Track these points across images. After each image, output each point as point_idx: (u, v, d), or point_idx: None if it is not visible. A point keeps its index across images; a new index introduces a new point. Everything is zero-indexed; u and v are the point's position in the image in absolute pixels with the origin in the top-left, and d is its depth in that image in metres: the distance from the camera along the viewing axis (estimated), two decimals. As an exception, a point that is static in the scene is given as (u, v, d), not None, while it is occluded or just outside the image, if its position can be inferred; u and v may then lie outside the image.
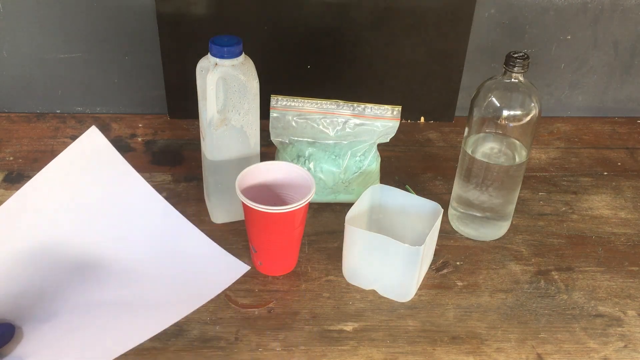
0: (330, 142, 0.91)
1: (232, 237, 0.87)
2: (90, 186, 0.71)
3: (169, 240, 0.74)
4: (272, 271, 0.81)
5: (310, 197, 0.76)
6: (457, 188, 0.89)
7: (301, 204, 0.75)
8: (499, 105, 0.81)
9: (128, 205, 0.75)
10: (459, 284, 0.82)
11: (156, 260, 0.71)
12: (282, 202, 0.81)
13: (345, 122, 0.90)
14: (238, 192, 0.75)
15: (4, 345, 0.60)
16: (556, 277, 0.84)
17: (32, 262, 0.68)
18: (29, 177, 0.96)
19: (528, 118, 0.81)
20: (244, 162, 0.83)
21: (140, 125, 1.11)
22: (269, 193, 0.82)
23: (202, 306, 0.77)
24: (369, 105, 0.90)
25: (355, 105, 0.90)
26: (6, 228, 0.69)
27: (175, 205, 0.92)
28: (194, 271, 0.72)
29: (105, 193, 0.73)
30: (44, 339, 0.64)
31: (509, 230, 0.91)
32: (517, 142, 0.83)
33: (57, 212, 0.70)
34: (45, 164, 0.99)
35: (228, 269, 0.72)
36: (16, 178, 0.96)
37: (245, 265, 0.72)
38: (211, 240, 0.74)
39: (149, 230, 0.73)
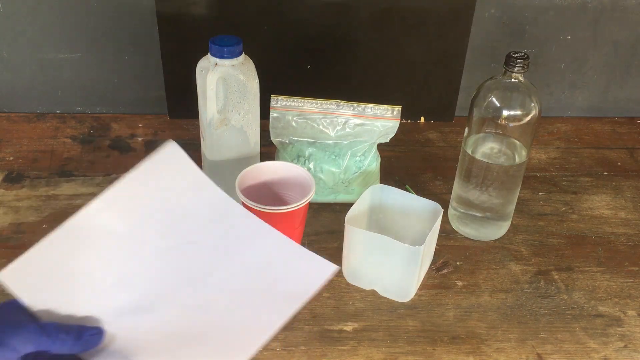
0: (330, 142, 0.91)
1: (232, 237, 0.87)
2: (171, 200, 0.67)
3: (253, 249, 0.69)
4: None
5: (310, 197, 0.76)
6: (457, 188, 0.89)
7: (301, 204, 0.75)
8: (499, 105, 0.81)
9: (211, 219, 0.70)
10: (459, 284, 0.82)
11: (245, 271, 0.68)
12: (282, 202, 0.81)
13: (345, 122, 0.90)
14: (238, 192, 0.75)
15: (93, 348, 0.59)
16: (556, 277, 0.84)
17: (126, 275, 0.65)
18: (29, 177, 0.96)
19: (528, 118, 0.81)
20: (244, 162, 0.83)
21: (140, 125, 1.11)
22: (269, 193, 0.82)
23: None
24: (369, 105, 0.90)
25: (355, 105, 0.90)
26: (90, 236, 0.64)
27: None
28: (282, 278, 0.68)
29: (187, 207, 0.68)
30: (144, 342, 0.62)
31: (509, 230, 0.91)
32: (517, 142, 0.83)
33: (141, 226, 0.66)
34: (45, 164, 1.00)
35: (316, 271, 0.67)
36: (16, 178, 0.96)
37: (333, 264, 0.66)
38: (295, 243, 0.70)
39: (235, 241, 0.69)
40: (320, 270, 0.66)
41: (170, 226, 0.65)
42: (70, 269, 0.61)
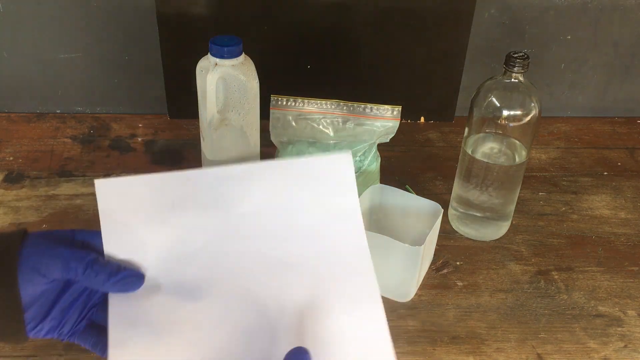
0: (330, 142, 0.91)
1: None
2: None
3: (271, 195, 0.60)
4: None
5: None
6: (457, 188, 0.89)
7: None
8: (499, 105, 0.81)
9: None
10: (459, 284, 0.82)
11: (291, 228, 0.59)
12: None
13: (345, 122, 0.90)
14: None
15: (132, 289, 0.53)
16: (556, 277, 0.84)
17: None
18: (29, 177, 0.96)
19: (528, 118, 0.81)
20: (244, 162, 0.83)
21: (140, 125, 1.11)
22: None
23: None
24: (369, 105, 0.90)
25: (355, 105, 0.90)
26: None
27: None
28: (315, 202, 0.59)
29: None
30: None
31: (509, 230, 0.91)
32: (517, 142, 0.83)
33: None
34: (45, 164, 1.00)
35: (337, 170, 0.59)
36: (16, 178, 0.97)
37: (345, 153, 0.59)
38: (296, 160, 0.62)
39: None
40: (340, 166, 0.58)
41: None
42: (156, 214, 0.56)
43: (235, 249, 0.57)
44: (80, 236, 0.54)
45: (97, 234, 0.54)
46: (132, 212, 0.56)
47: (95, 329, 0.55)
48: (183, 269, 0.56)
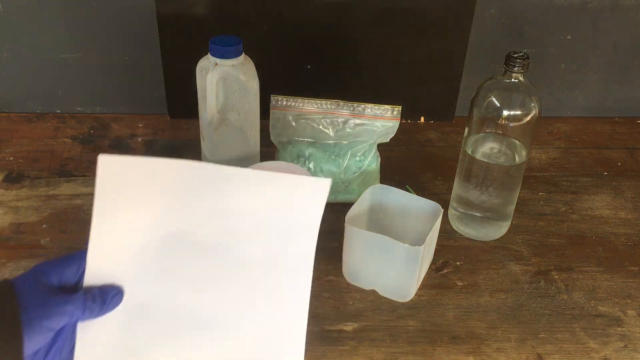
0: (330, 142, 0.91)
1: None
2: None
3: (244, 201, 0.63)
4: None
5: None
6: (457, 188, 0.89)
7: None
8: (499, 105, 0.81)
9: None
10: (459, 284, 0.82)
11: (249, 231, 0.63)
12: None
13: (345, 122, 0.90)
14: None
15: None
16: (556, 277, 0.84)
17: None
18: (29, 177, 0.96)
19: (528, 118, 0.81)
20: (244, 162, 0.83)
21: (140, 125, 1.11)
22: None
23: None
24: (369, 105, 0.90)
25: (355, 105, 0.90)
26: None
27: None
28: (285, 216, 0.63)
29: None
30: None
31: (509, 230, 0.91)
32: (517, 142, 0.83)
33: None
34: (45, 164, 1.00)
35: (313, 193, 0.62)
36: (16, 178, 0.96)
37: (325, 179, 0.62)
38: (277, 174, 0.63)
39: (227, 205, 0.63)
40: (316, 189, 0.62)
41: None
42: (144, 197, 0.59)
43: (194, 241, 0.61)
44: (53, 274, 0.57)
45: (61, 264, 0.57)
46: (125, 193, 0.58)
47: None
48: (149, 260, 0.60)
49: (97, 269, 0.58)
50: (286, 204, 0.62)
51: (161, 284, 0.61)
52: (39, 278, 0.55)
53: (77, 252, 0.58)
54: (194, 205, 0.61)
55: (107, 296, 0.58)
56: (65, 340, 0.57)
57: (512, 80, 0.80)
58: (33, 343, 0.52)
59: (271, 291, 0.63)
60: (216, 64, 0.78)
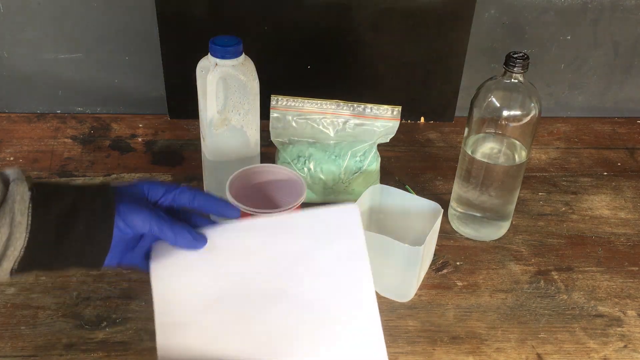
0: (331, 142, 0.91)
1: (232, 237, 0.87)
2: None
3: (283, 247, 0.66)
4: None
5: (301, 200, 0.75)
6: (457, 188, 0.89)
7: (293, 206, 0.74)
8: (498, 105, 0.81)
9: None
10: (459, 284, 0.82)
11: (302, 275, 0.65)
12: (275, 206, 0.79)
13: (345, 122, 0.90)
14: (228, 195, 0.74)
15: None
16: (556, 277, 0.84)
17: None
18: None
19: (528, 118, 0.81)
20: (244, 162, 0.83)
21: (140, 125, 1.11)
22: (259, 196, 0.80)
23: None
24: (369, 105, 0.90)
25: (355, 105, 0.90)
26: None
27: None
28: (328, 251, 0.64)
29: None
30: None
31: (509, 230, 0.91)
32: (517, 142, 0.83)
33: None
34: (46, 164, 1.00)
35: (345, 222, 0.64)
36: (16, 178, 0.96)
37: (351, 204, 0.64)
38: (305, 212, 0.66)
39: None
40: (348, 216, 0.64)
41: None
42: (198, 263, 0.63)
43: (255, 292, 0.63)
44: (151, 193, 0.62)
45: (161, 187, 0.62)
46: (178, 270, 0.63)
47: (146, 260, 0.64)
48: (214, 310, 0.63)
49: (167, 339, 0.61)
50: (327, 238, 0.64)
51: (232, 336, 0.62)
52: (139, 192, 0.61)
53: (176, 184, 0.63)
54: (245, 261, 0.63)
55: (185, 234, 0.60)
56: (140, 250, 0.62)
57: (512, 80, 0.80)
58: (116, 237, 0.58)
59: (342, 321, 0.64)
60: (216, 64, 0.78)
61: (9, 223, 0.54)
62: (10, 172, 0.57)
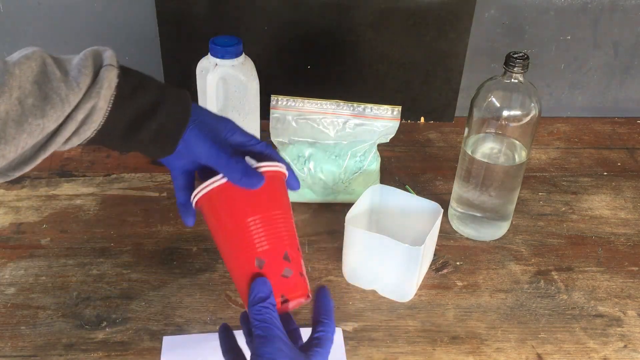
0: (331, 142, 0.91)
1: (232, 237, 0.87)
2: None
3: None
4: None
5: (277, 166, 0.62)
6: (457, 188, 0.89)
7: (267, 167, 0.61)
8: (498, 105, 0.81)
9: None
10: (459, 284, 0.82)
11: None
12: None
13: (345, 122, 0.90)
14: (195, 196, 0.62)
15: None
16: (556, 277, 0.84)
17: None
18: (29, 177, 0.97)
19: (528, 118, 0.81)
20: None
21: (140, 125, 1.10)
22: None
23: (202, 306, 0.77)
24: (369, 105, 0.90)
25: (355, 105, 0.90)
26: None
27: (174, 205, 0.92)
28: None
29: None
30: None
31: (509, 230, 0.91)
32: (517, 142, 0.83)
33: None
34: (45, 164, 0.99)
35: None
36: (16, 178, 0.96)
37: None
38: None
39: None
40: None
41: None
42: None
43: None
44: (228, 132, 0.62)
45: (241, 135, 0.63)
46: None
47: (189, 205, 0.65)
48: None
49: None
50: None
51: None
52: (215, 121, 0.62)
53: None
54: None
55: (244, 174, 0.59)
56: (190, 177, 0.64)
57: (512, 80, 0.80)
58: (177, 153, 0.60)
59: None
60: (216, 65, 0.78)
61: (92, 106, 0.56)
62: (106, 56, 0.62)
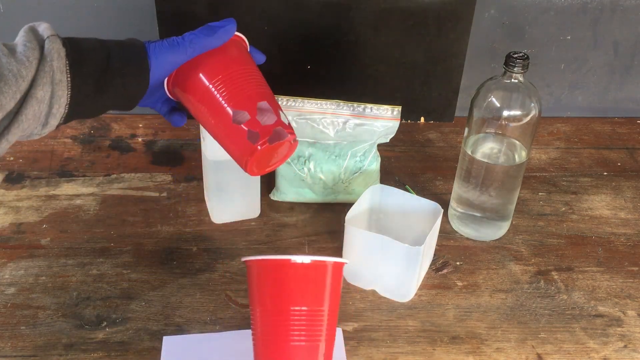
0: (331, 142, 0.91)
1: (232, 237, 0.87)
2: None
3: None
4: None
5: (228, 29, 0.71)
6: (457, 188, 0.89)
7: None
8: (498, 105, 0.81)
9: None
10: (459, 284, 0.82)
11: None
12: None
13: (345, 122, 0.90)
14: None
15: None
16: (556, 277, 0.84)
17: None
18: (29, 177, 0.97)
19: (528, 118, 0.81)
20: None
21: (140, 125, 1.11)
22: None
23: (202, 306, 0.78)
24: (369, 105, 0.90)
25: (355, 105, 0.90)
26: None
27: (174, 205, 0.93)
28: None
29: None
30: None
31: (509, 230, 0.91)
32: (517, 142, 0.83)
33: None
34: (46, 164, 1.00)
35: None
36: (16, 178, 0.97)
37: None
38: None
39: None
40: None
41: None
42: None
43: None
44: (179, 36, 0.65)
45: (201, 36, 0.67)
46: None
47: (175, 111, 0.70)
48: None
49: None
50: None
51: None
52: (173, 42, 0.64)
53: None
54: None
55: (212, 29, 0.65)
56: (163, 99, 0.68)
57: (512, 80, 0.80)
58: (155, 76, 0.62)
59: None
60: (216, 64, 0.78)
61: (50, 81, 0.55)
62: (42, 28, 0.58)
